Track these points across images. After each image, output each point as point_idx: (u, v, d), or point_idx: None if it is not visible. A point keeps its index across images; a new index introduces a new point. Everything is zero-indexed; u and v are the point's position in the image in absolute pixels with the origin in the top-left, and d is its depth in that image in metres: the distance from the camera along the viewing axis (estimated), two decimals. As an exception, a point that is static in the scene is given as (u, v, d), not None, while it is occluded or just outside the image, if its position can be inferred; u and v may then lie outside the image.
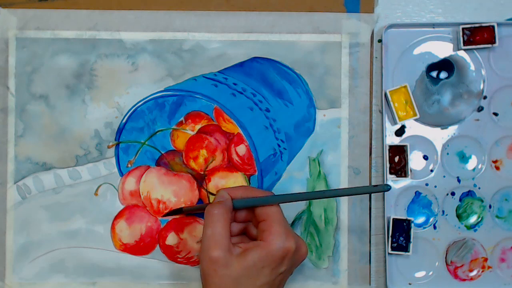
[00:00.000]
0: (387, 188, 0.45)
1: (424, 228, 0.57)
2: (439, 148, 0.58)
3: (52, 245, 0.57)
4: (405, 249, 0.56)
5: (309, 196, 0.50)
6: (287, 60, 0.57)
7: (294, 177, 0.57)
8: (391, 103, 0.56)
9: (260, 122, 0.56)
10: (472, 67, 0.57)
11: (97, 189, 0.57)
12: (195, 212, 0.56)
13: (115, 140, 0.57)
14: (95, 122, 0.57)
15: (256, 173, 0.56)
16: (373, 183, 0.57)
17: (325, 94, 0.57)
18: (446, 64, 0.57)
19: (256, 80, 0.57)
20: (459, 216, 0.57)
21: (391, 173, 0.56)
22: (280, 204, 0.49)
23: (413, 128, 0.58)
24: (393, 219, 0.56)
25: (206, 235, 0.47)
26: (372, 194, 0.57)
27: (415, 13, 0.58)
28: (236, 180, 0.57)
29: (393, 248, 0.56)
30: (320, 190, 0.49)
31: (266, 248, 0.46)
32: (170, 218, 0.57)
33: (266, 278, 0.46)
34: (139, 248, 0.57)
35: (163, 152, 0.57)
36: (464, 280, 0.57)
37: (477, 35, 0.56)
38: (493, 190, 0.57)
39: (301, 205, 0.57)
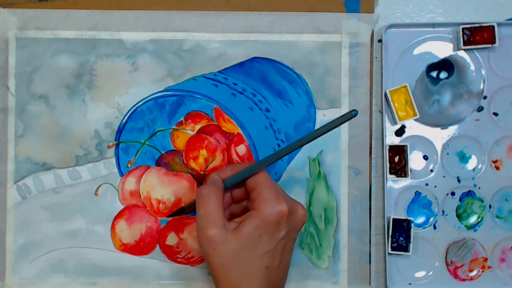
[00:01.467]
0: (355, 113, 0.42)
1: (424, 228, 0.57)
2: (439, 148, 0.58)
3: (52, 245, 0.57)
4: (405, 249, 0.56)
5: (288, 149, 0.47)
6: (287, 60, 0.57)
7: (294, 177, 0.57)
8: (391, 103, 0.56)
9: (260, 122, 0.56)
10: (472, 67, 0.57)
11: (97, 189, 0.57)
12: (194, 206, 0.56)
13: (115, 140, 0.57)
14: (95, 122, 0.57)
15: (256, 173, 0.56)
16: (373, 183, 0.57)
17: (325, 94, 0.57)
18: (446, 64, 0.57)
19: (256, 80, 0.57)
20: (459, 216, 0.57)
21: (391, 173, 0.56)
22: None
23: (413, 128, 0.58)
24: (393, 219, 0.56)
25: (200, 215, 0.46)
26: (372, 194, 0.57)
27: (415, 13, 0.58)
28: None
29: (393, 248, 0.56)
30: (297, 140, 0.47)
31: (259, 215, 0.46)
32: (170, 218, 0.57)
33: (266, 246, 0.46)
34: (139, 248, 0.57)
35: (163, 152, 0.57)
36: (464, 280, 0.57)
37: (477, 35, 0.56)
38: (493, 190, 0.57)
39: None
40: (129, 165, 0.57)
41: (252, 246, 0.46)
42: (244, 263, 0.46)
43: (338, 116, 0.44)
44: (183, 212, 0.55)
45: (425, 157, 0.58)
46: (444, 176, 0.58)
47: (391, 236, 0.56)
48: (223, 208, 0.47)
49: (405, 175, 0.56)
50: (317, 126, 0.57)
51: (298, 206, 0.48)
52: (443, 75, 0.58)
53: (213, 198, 0.46)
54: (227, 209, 0.50)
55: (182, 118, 0.57)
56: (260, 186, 0.47)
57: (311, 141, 0.46)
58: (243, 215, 0.50)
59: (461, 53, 0.58)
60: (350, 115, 0.43)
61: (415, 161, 0.58)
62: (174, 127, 0.57)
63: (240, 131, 0.57)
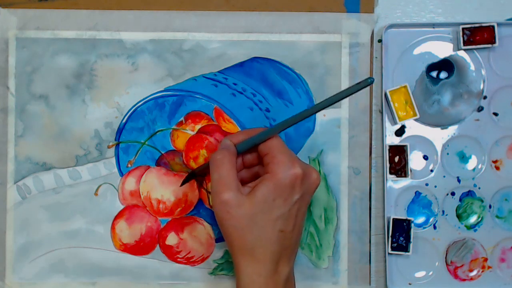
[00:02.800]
0: (371, 80, 0.43)
1: (424, 228, 0.57)
2: (439, 148, 0.58)
3: (52, 245, 0.57)
4: (405, 249, 0.56)
5: (301, 116, 0.47)
6: (287, 60, 0.57)
7: (294, 177, 0.57)
8: (391, 103, 0.56)
9: (260, 122, 0.56)
10: (472, 67, 0.57)
11: (97, 189, 0.57)
12: (204, 170, 0.55)
13: (115, 140, 0.57)
14: (95, 122, 0.57)
15: (256, 173, 0.56)
16: (373, 184, 0.57)
17: (325, 94, 0.57)
18: (446, 64, 0.57)
19: (256, 80, 0.57)
20: (459, 216, 0.57)
21: (391, 173, 0.56)
22: None
23: (413, 128, 0.58)
24: (393, 219, 0.56)
25: (214, 180, 0.47)
26: (372, 194, 0.57)
27: (415, 13, 0.58)
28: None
29: (393, 248, 0.56)
30: (308, 108, 0.46)
31: (273, 179, 0.46)
32: (170, 219, 0.57)
33: (281, 210, 0.46)
34: (139, 248, 0.57)
35: (163, 152, 0.57)
36: (464, 280, 0.57)
37: (477, 35, 0.56)
38: (493, 190, 0.57)
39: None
40: (129, 165, 0.57)
41: (266, 210, 0.46)
42: (258, 227, 0.46)
43: (354, 83, 0.44)
44: (194, 177, 0.55)
45: (425, 157, 0.58)
46: (444, 176, 0.58)
47: (391, 236, 0.56)
48: (236, 173, 0.47)
49: (405, 175, 0.56)
50: (316, 127, 0.57)
51: (311, 170, 0.48)
52: (443, 75, 0.58)
53: (226, 162, 0.47)
54: (237, 173, 0.50)
55: (182, 118, 0.57)
56: (274, 150, 0.47)
57: (323, 108, 0.46)
58: (253, 180, 0.50)
59: (461, 53, 0.58)
60: (367, 82, 0.43)
61: (415, 161, 0.58)
62: (174, 127, 0.57)
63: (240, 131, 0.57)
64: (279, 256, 0.47)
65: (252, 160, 0.50)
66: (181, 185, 0.56)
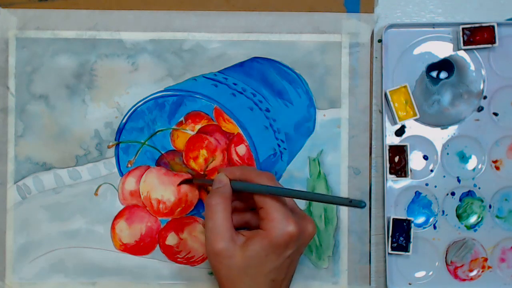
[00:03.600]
0: (363, 205, 0.41)
1: (424, 228, 0.57)
2: (439, 148, 0.58)
3: (52, 245, 0.57)
4: (405, 249, 0.56)
5: (298, 195, 0.46)
6: (287, 60, 0.57)
7: (294, 177, 0.57)
8: (391, 103, 0.56)
9: (260, 122, 0.56)
10: (472, 67, 0.57)
11: (97, 189, 0.57)
12: (203, 184, 0.56)
13: (115, 140, 0.57)
14: (95, 122, 0.57)
15: (256, 173, 0.56)
16: (373, 184, 0.57)
17: (325, 94, 0.57)
18: (446, 64, 0.57)
19: (256, 80, 0.57)
20: (459, 216, 0.57)
21: (391, 173, 0.56)
22: None
23: (413, 128, 0.58)
24: (393, 219, 0.56)
25: (208, 228, 0.46)
26: (372, 194, 0.57)
27: (415, 13, 0.58)
28: (236, 180, 0.56)
29: (393, 248, 0.56)
30: (309, 192, 0.47)
31: (267, 237, 0.46)
32: (170, 218, 0.57)
33: (273, 264, 0.46)
34: (139, 248, 0.57)
35: (163, 152, 0.57)
36: (464, 280, 0.57)
37: (477, 35, 0.56)
38: (493, 190, 0.57)
39: (301, 205, 0.57)
40: (129, 165, 0.57)
41: (258, 264, 0.46)
42: (249, 277, 0.46)
43: (350, 198, 0.42)
44: (191, 182, 0.55)
45: (425, 157, 0.58)
46: (444, 176, 0.58)
47: (391, 236, 0.56)
48: (231, 220, 0.47)
49: (405, 175, 0.56)
50: (316, 127, 0.57)
51: (307, 223, 0.48)
52: (443, 75, 0.58)
53: (221, 210, 0.47)
54: (233, 202, 0.50)
55: (182, 118, 0.57)
56: (268, 205, 0.46)
57: (312, 200, 0.47)
58: (249, 210, 0.51)
59: (461, 53, 0.58)
60: (359, 204, 0.41)
61: (415, 161, 0.58)
62: (174, 127, 0.57)
63: (240, 131, 0.57)
64: None
65: (247, 196, 0.50)
66: (179, 184, 0.56)
